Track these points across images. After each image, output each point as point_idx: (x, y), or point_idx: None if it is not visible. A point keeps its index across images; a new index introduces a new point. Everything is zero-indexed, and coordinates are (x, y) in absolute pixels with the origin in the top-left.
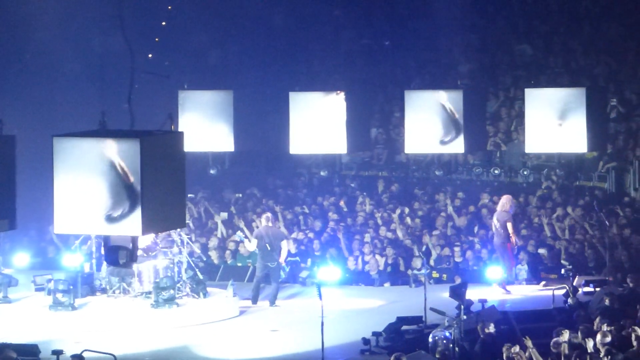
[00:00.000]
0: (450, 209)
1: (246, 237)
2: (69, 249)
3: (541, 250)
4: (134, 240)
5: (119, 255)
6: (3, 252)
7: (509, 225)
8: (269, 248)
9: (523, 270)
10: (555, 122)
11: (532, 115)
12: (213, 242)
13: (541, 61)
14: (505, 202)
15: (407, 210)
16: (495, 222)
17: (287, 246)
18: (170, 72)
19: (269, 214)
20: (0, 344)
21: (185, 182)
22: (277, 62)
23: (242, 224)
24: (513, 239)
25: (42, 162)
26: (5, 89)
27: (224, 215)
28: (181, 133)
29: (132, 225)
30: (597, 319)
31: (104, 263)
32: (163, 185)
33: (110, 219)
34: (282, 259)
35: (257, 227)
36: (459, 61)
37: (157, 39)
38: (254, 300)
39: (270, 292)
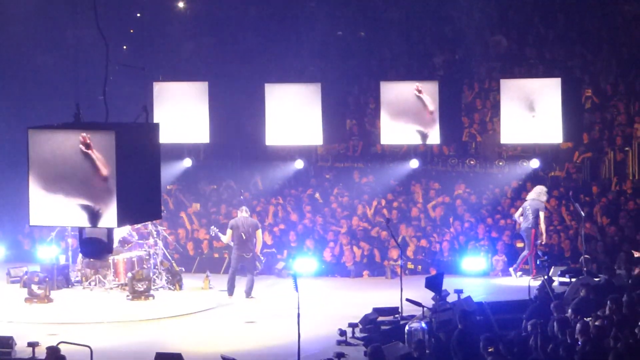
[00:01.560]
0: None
1: (220, 232)
2: (44, 241)
3: (519, 245)
4: (109, 232)
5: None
6: None
7: (542, 215)
8: (244, 237)
9: (500, 260)
10: (529, 114)
11: (507, 106)
12: (182, 234)
13: (516, 52)
14: (540, 191)
15: (383, 201)
16: (527, 208)
17: (261, 236)
18: (145, 63)
19: (244, 207)
20: None
21: (161, 174)
22: (252, 53)
23: (214, 229)
24: (542, 227)
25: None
26: None
27: (197, 206)
28: (156, 125)
29: (107, 217)
30: (570, 310)
31: (80, 255)
32: (138, 177)
33: (85, 211)
34: (257, 249)
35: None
36: (433, 52)
37: (131, 31)
38: (230, 291)
39: (245, 283)
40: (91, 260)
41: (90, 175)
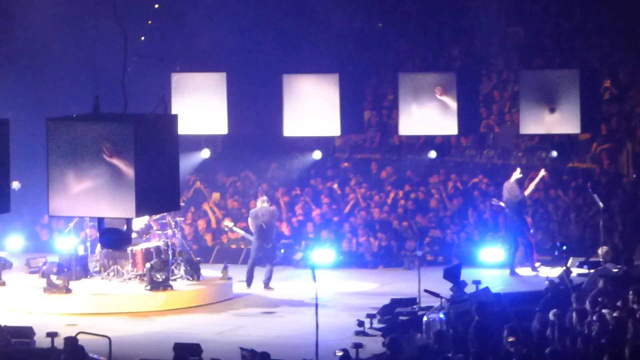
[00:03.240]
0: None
1: (235, 226)
2: (63, 232)
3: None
4: (128, 222)
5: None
6: None
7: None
8: (264, 227)
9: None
10: (546, 107)
11: (526, 97)
12: (202, 225)
13: (533, 43)
14: (510, 188)
15: (400, 193)
16: (507, 212)
17: (280, 227)
18: (163, 54)
19: (264, 197)
20: None
21: (179, 165)
22: (270, 44)
23: (230, 223)
24: (529, 219)
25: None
26: None
27: (217, 196)
28: (175, 116)
29: (126, 207)
30: (588, 302)
31: (98, 245)
32: (157, 168)
33: (104, 201)
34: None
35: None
36: (450, 44)
37: (149, 22)
38: (249, 282)
39: (264, 274)
40: (110, 250)
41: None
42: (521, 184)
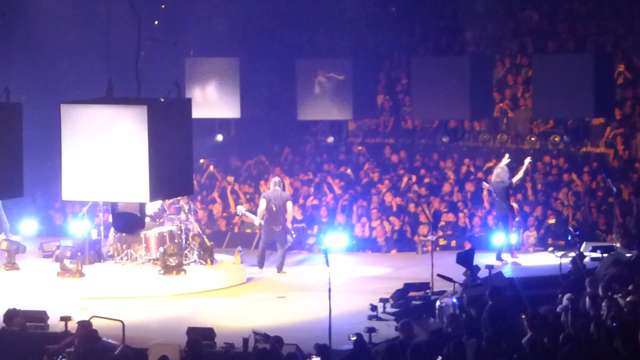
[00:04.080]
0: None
1: (248, 211)
2: (76, 216)
3: (551, 221)
4: (142, 206)
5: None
6: (10, 219)
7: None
8: (274, 209)
9: (532, 236)
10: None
11: (539, 82)
12: (217, 209)
13: (547, 27)
14: (499, 172)
15: (414, 177)
16: (494, 195)
17: (292, 208)
18: (176, 39)
19: (276, 178)
20: (9, 309)
21: (193, 148)
22: (283, 29)
23: (243, 208)
24: (515, 206)
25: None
26: (11, 57)
27: (231, 179)
28: (188, 100)
29: (139, 191)
30: (601, 287)
31: (111, 230)
32: (170, 152)
33: (117, 185)
34: (288, 222)
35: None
36: (464, 28)
37: (163, 6)
38: (260, 264)
39: (277, 258)
40: (123, 235)
41: (123, 149)
42: (511, 169)
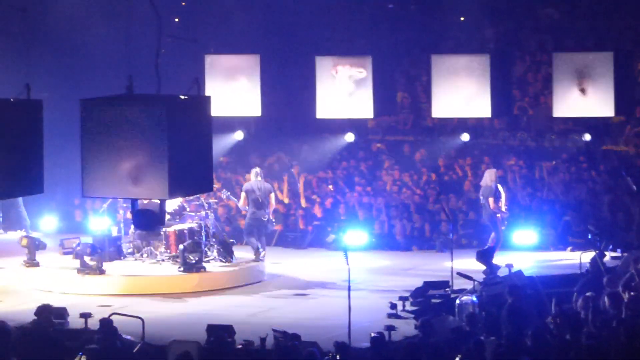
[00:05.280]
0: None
1: (231, 195)
2: (97, 212)
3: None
4: (161, 204)
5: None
6: (31, 215)
7: (491, 200)
8: (260, 201)
9: (550, 234)
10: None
11: (559, 80)
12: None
13: (567, 25)
14: (487, 176)
15: (433, 175)
16: (481, 198)
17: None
18: (196, 36)
19: (258, 169)
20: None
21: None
22: (303, 26)
23: (226, 192)
24: (498, 213)
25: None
26: (32, 53)
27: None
28: (208, 97)
29: (159, 189)
30: (620, 285)
31: (131, 227)
32: (190, 149)
33: (137, 182)
34: (270, 213)
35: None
36: (484, 25)
37: (183, 3)
38: (257, 252)
39: (253, 245)
40: (143, 232)
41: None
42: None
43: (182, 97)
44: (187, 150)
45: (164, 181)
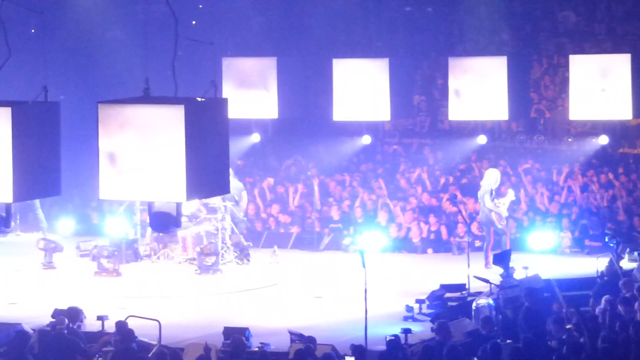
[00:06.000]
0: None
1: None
2: (113, 215)
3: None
4: (178, 206)
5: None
6: (48, 218)
7: (487, 199)
8: (237, 198)
9: (567, 237)
10: (598, 88)
11: (577, 82)
12: (251, 210)
13: (584, 28)
14: (487, 176)
15: (451, 178)
16: (479, 198)
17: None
18: (213, 39)
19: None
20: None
21: (229, 148)
22: (320, 28)
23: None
24: (493, 212)
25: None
26: (50, 57)
27: (270, 181)
28: (225, 99)
29: (176, 191)
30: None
31: (148, 229)
32: (207, 151)
33: (154, 184)
34: (243, 210)
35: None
36: (501, 28)
37: (200, 6)
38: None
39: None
40: (160, 234)
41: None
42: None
43: (199, 99)
44: (204, 152)
45: (181, 183)
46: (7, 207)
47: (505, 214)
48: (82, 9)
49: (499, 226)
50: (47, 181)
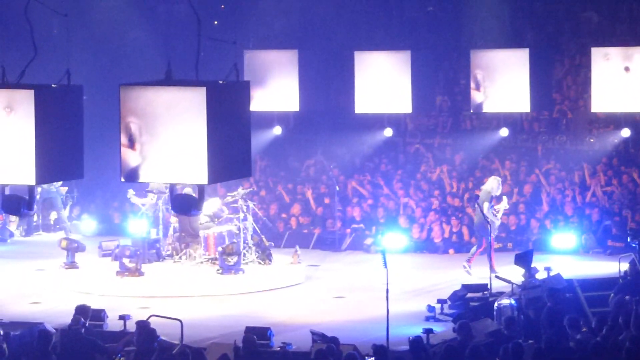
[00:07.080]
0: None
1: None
2: (136, 214)
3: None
4: (200, 188)
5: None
6: (70, 218)
7: (485, 206)
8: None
9: (590, 238)
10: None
11: (599, 74)
12: (273, 209)
13: (607, 28)
14: (489, 182)
15: (471, 178)
16: (477, 203)
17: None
18: (235, 36)
19: None
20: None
21: (251, 131)
22: (341, 21)
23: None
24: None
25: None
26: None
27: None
28: (247, 82)
29: (198, 173)
30: None
31: (170, 229)
32: (229, 134)
33: (175, 167)
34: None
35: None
36: (524, 28)
37: (222, 6)
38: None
39: None
40: (182, 234)
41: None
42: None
43: (221, 82)
44: (225, 135)
45: (202, 166)
46: (31, 189)
47: (498, 222)
48: (104, 9)
49: (492, 235)
50: (69, 164)
